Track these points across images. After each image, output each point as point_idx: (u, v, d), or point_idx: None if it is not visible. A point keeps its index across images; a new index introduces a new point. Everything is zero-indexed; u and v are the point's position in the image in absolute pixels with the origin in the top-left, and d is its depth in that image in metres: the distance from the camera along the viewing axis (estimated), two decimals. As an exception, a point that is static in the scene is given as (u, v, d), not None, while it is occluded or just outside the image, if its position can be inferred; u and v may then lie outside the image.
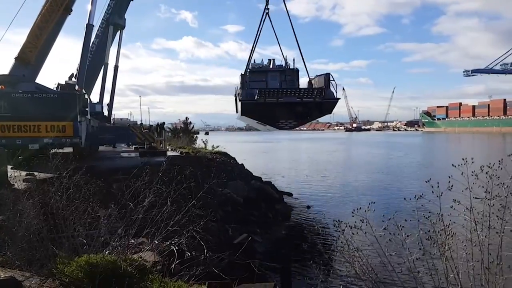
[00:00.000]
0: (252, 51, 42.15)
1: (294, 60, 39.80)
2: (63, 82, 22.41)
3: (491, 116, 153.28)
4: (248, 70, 37.04)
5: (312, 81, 32.48)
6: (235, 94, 40.76)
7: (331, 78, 29.34)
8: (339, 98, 28.74)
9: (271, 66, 40.04)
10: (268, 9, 38.90)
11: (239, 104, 29.12)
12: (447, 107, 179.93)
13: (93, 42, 23.70)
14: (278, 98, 27.07)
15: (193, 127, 48.98)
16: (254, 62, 40.78)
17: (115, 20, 26.44)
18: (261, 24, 39.61)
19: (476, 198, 4.59)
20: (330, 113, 29.37)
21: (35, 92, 18.72)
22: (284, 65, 39.51)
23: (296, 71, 39.17)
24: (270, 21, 39.50)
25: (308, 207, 20.89)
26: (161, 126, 33.50)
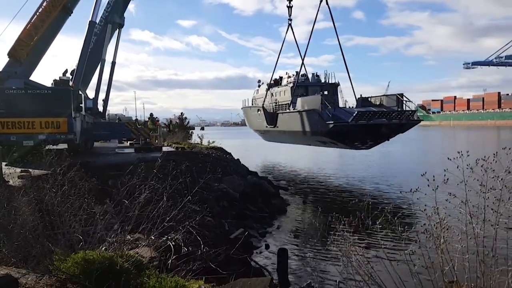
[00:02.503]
0: (277, 62, 43.23)
1: (333, 74, 40.56)
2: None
3: (486, 109, 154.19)
4: (292, 85, 37.73)
5: (376, 100, 33.05)
6: (259, 107, 41.35)
7: (404, 99, 30.30)
8: (422, 120, 29.22)
9: (310, 80, 40.55)
10: (291, 20, 39.71)
11: (320, 124, 29.02)
12: (442, 100, 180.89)
13: (91, 40, 23.47)
14: (369, 120, 27.41)
15: (188, 122, 48.99)
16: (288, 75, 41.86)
17: (114, 18, 26.11)
18: (285, 36, 40.70)
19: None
20: (404, 132, 30.08)
21: (29, 88, 18.61)
22: (322, 79, 40.44)
23: (335, 85, 39.51)
24: (293, 32, 40.50)
25: (304, 201, 20.93)
26: (152, 119, 33.38)
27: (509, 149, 4.64)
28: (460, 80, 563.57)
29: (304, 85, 39.38)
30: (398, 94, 31.56)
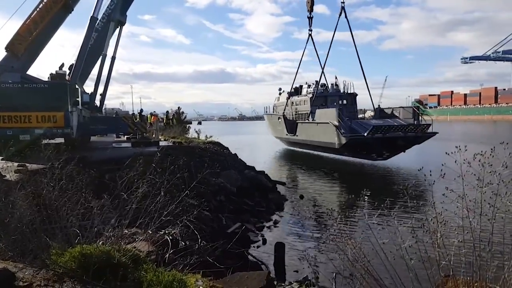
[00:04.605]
0: (296, 72, 44.60)
1: (352, 84, 42.03)
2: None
3: (483, 104, 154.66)
4: (311, 96, 38.57)
5: (394, 112, 34.42)
6: (280, 115, 42.48)
7: (420, 111, 31.56)
8: (437, 132, 30.56)
9: (329, 90, 41.57)
10: (311, 30, 40.86)
11: (338, 137, 29.94)
12: (438, 95, 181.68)
13: (91, 36, 23.32)
14: (384, 133, 28.34)
15: (185, 116, 48.94)
16: (309, 85, 42.91)
17: (117, 16, 25.95)
18: (306, 45, 42.10)
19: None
20: (420, 143, 30.93)
21: (25, 83, 18.53)
22: (341, 89, 41.93)
23: (354, 95, 40.46)
24: (313, 43, 41.72)
25: (302, 196, 20.96)
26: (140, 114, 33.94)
27: (507, 143, 4.66)
28: (447, 75, 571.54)
29: (323, 95, 40.51)
30: (414, 106, 32.96)
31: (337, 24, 38.09)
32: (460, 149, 4.66)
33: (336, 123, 30.07)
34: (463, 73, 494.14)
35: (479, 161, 4.56)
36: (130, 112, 63.79)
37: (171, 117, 44.16)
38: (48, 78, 21.52)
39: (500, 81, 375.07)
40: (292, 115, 43.18)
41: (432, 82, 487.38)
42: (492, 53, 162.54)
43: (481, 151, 4.63)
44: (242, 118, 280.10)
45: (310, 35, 41.95)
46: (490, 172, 4.48)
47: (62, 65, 23.65)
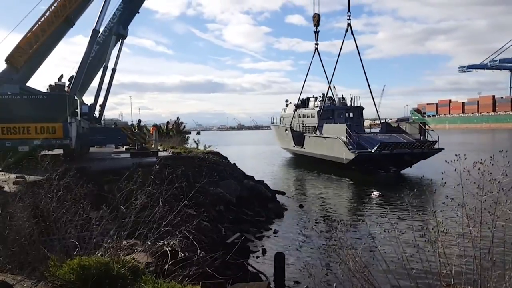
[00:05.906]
0: (303, 86, 45.63)
1: (358, 97, 43.10)
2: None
3: (481, 113, 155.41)
4: (318, 110, 39.24)
5: (401, 126, 35.18)
6: (287, 127, 44.50)
7: (427, 127, 32.58)
8: (443, 148, 30.30)
9: (337, 104, 42.21)
10: (318, 44, 41.69)
11: (346, 153, 30.23)
12: (437, 104, 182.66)
13: (92, 48, 23.42)
14: (392, 150, 28.68)
15: (184, 127, 48.98)
16: (319, 98, 44.50)
17: (119, 30, 26.10)
18: (312, 59, 42.95)
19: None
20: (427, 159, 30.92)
21: (24, 94, 18.56)
22: (347, 103, 43.11)
23: (360, 109, 41.10)
24: (319, 56, 42.42)
25: (301, 206, 20.89)
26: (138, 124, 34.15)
27: (506, 152, 4.67)
28: (437, 83, 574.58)
29: (330, 108, 40.96)
30: (421, 122, 33.42)
31: (343, 39, 38.87)
32: (459, 158, 4.66)
33: (345, 139, 30.40)
34: (453, 81, 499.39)
35: (479, 169, 4.56)
36: (130, 123, 63.81)
37: (170, 127, 44.29)
38: (47, 89, 21.55)
39: (491, 89, 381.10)
40: (299, 127, 43.65)
41: (424, 90, 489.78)
42: (489, 61, 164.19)
43: (481, 160, 4.64)
44: (241, 127, 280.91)
45: (316, 48, 42.73)
46: (490, 180, 4.48)
47: (61, 76, 23.71)
